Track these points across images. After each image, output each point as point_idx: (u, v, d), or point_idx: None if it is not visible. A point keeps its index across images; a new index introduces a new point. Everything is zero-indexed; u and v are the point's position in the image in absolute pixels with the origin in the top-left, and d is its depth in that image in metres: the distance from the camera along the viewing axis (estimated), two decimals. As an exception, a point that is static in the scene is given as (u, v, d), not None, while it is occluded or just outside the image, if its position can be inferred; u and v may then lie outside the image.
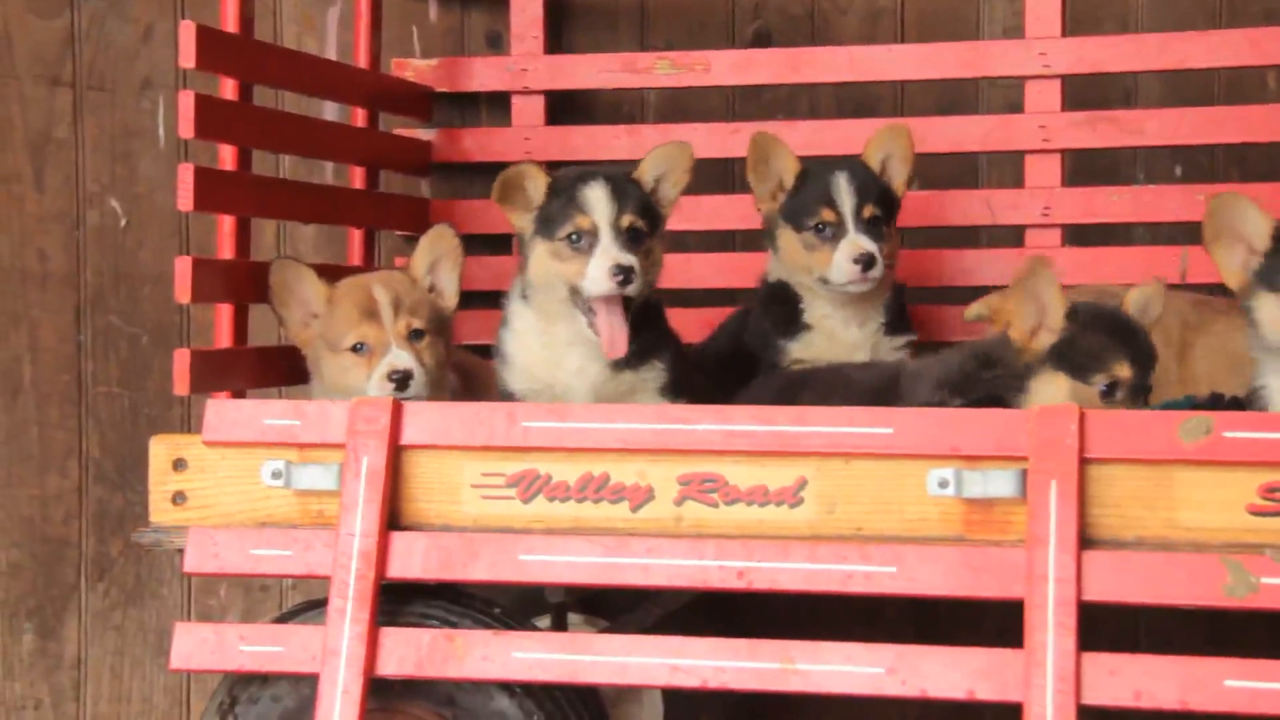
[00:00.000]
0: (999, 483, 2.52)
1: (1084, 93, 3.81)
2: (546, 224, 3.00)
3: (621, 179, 3.04)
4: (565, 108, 4.06)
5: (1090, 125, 3.68)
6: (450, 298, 3.24)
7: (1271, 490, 2.43)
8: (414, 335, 3.09)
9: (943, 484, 2.55)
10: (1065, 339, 2.81)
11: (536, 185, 3.02)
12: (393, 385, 3.00)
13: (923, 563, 2.52)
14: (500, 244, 3.98)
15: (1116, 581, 2.44)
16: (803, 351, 3.38)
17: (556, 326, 3.03)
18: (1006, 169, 3.88)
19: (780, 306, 3.41)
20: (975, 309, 3.33)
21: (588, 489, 2.69)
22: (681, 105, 4.10)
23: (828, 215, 3.32)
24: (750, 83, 3.92)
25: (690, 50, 3.94)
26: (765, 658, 2.53)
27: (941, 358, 3.14)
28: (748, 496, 2.64)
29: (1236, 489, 2.45)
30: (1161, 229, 3.79)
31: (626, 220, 2.98)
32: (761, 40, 4.09)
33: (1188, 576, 2.42)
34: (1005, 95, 3.92)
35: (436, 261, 3.22)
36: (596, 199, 2.98)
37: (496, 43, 4.12)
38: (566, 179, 3.03)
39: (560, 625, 3.30)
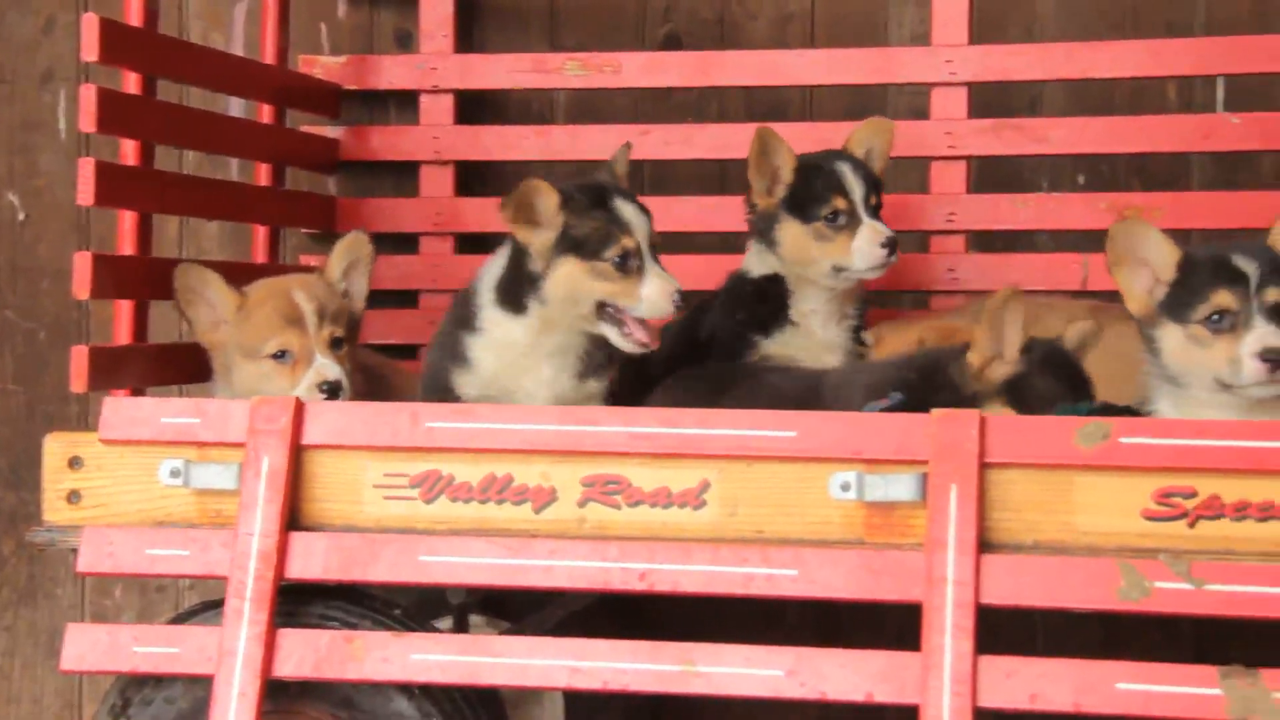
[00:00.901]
0: (900, 486, 2.53)
1: (990, 100, 3.85)
2: (580, 244, 2.93)
3: (632, 194, 3.03)
4: (475, 107, 4.05)
5: (995, 133, 3.72)
6: (360, 302, 3.21)
7: (1166, 495, 2.46)
8: (335, 343, 3.07)
9: (844, 487, 2.56)
10: (1020, 376, 2.84)
11: (548, 203, 2.94)
12: (324, 396, 2.97)
13: (823, 565, 2.53)
14: (407, 243, 3.97)
15: (1014, 585, 2.46)
16: (778, 349, 3.39)
17: (551, 338, 3.01)
18: (913, 175, 3.91)
19: (764, 303, 3.40)
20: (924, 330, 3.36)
21: (491, 490, 2.68)
22: (591, 106, 4.09)
23: (840, 204, 3.33)
24: (660, 85, 3.93)
25: (600, 52, 3.94)
26: (666, 660, 2.53)
27: (869, 367, 3.16)
28: (651, 498, 2.63)
29: (1132, 494, 2.48)
30: (1064, 236, 3.83)
31: (655, 237, 2.98)
32: (671, 43, 4.10)
33: (1083, 580, 2.44)
34: (912, 101, 3.95)
35: (350, 266, 3.19)
36: (638, 221, 2.95)
37: (406, 41, 4.10)
38: (595, 195, 2.97)
39: (462, 626, 3.29)
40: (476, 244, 4.00)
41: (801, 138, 3.78)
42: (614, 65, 3.88)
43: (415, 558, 2.64)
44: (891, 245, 3.29)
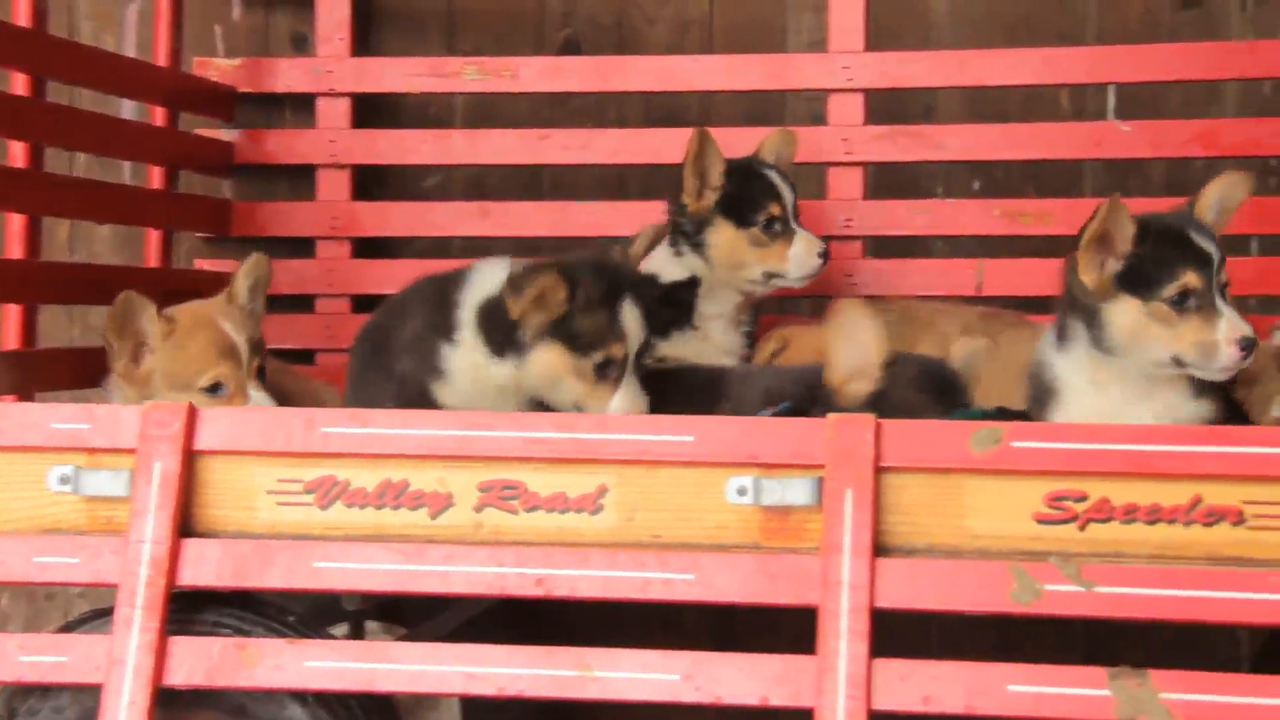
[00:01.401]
0: (796, 491, 2.53)
1: (886, 107, 3.88)
2: (573, 338, 2.88)
3: (643, 297, 2.97)
4: (371, 111, 4.03)
5: (891, 139, 3.75)
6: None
7: (1057, 499, 2.49)
8: (260, 373, 3.05)
9: (741, 492, 2.56)
10: (882, 392, 2.86)
11: (556, 296, 2.85)
12: None
13: (720, 570, 2.53)
14: (303, 247, 3.93)
15: (908, 588, 2.48)
16: (675, 351, 3.40)
17: (526, 393, 2.98)
18: (810, 180, 3.93)
19: (671, 306, 3.40)
20: (772, 345, 3.38)
21: (386, 496, 2.66)
22: (490, 111, 4.09)
23: (776, 210, 3.36)
24: (558, 90, 3.92)
25: (498, 56, 3.93)
26: (562, 665, 2.52)
27: (776, 370, 3.17)
28: (548, 504, 2.62)
29: (1024, 498, 2.50)
30: (959, 242, 3.87)
31: (646, 347, 2.97)
32: (570, 48, 4.09)
33: (976, 583, 2.46)
34: (810, 107, 3.98)
35: (254, 287, 3.16)
36: (635, 331, 2.91)
37: (302, 44, 4.07)
38: (605, 293, 2.89)
39: (357, 633, 3.26)
40: (373, 248, 3.98)
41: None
42: (512, 70, 3.88)
43: (310, 564, 2.61)
44: (825, 255, 3.35)
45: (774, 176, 3.39)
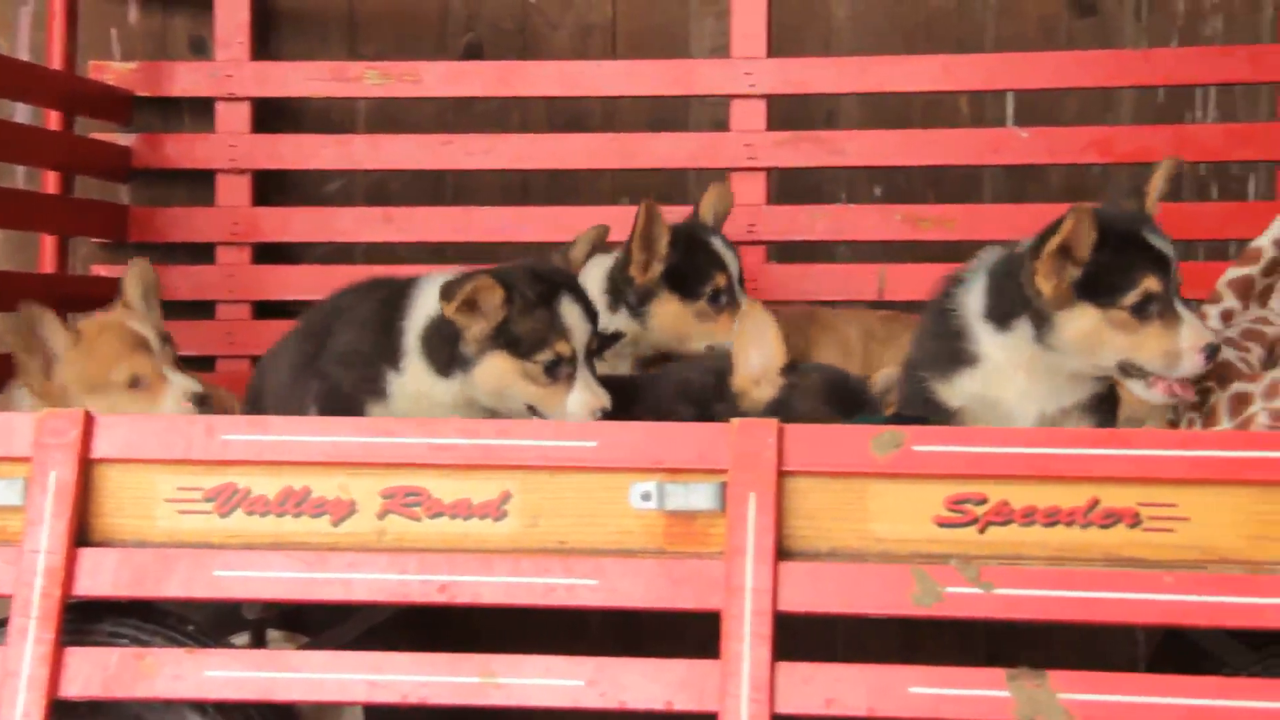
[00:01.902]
0: (700, 495, 2.54)
1: (789, 112, 3.90)
2: (515, 342, 2.83)
3: (584, 293, 2.92)
4: (272, 115, 3.99)
5: (793, 145, 3.77)
6: None
7: (957, 502, 2.51)
8: (175, 363, 3.02)
9: (645, 497, 2.56)
10: (781, 400, 2.86)
11: (492, 299, 2.81)
12: (195, 408, 2.95)
13: (624, 575, 2.53)
14: (202, 253, 3.89)
15: (812, 592, 2.49)
16: None
17: (478, 407, 2.93)
18: (714, 186, 3.94)
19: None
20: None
21: (288, 503, 2.63)
22: (393, 115, 4.07)
23: (721, 281, 3.26)
24: (462, 95, 3.91)
25: (401, 61, 3.91)
26: (465, 671, 2.51)
27: (685, 364, 3.17)
28: (451, 510, 2.61)
29: (925, 501, 2.52)
30: (862, 247, 3.90)
31: (594, 342, 2.89)
32: (473, 53, 4.08)
33: (878, 586, 2.48)
34: (713, 113, 3.99)
35: (145, 293, 3.12)
36: (574, 321, 2.85)
37: (201, 47, 4.03)
38: (542, 292, 2.84)
39: (259, 642, 3.23)
40: (274, 254, 3.95)
41: (605, 149, 3.81)
42: (414, 74, 3.86)
43: (210, 572, 2.58)
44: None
45: (718, 245, 3.29)
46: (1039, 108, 3.97)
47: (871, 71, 3.77)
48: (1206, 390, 2.71)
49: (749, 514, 2.50)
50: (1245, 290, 2.98)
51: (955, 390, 2.77)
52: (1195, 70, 3.67)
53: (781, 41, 3.89)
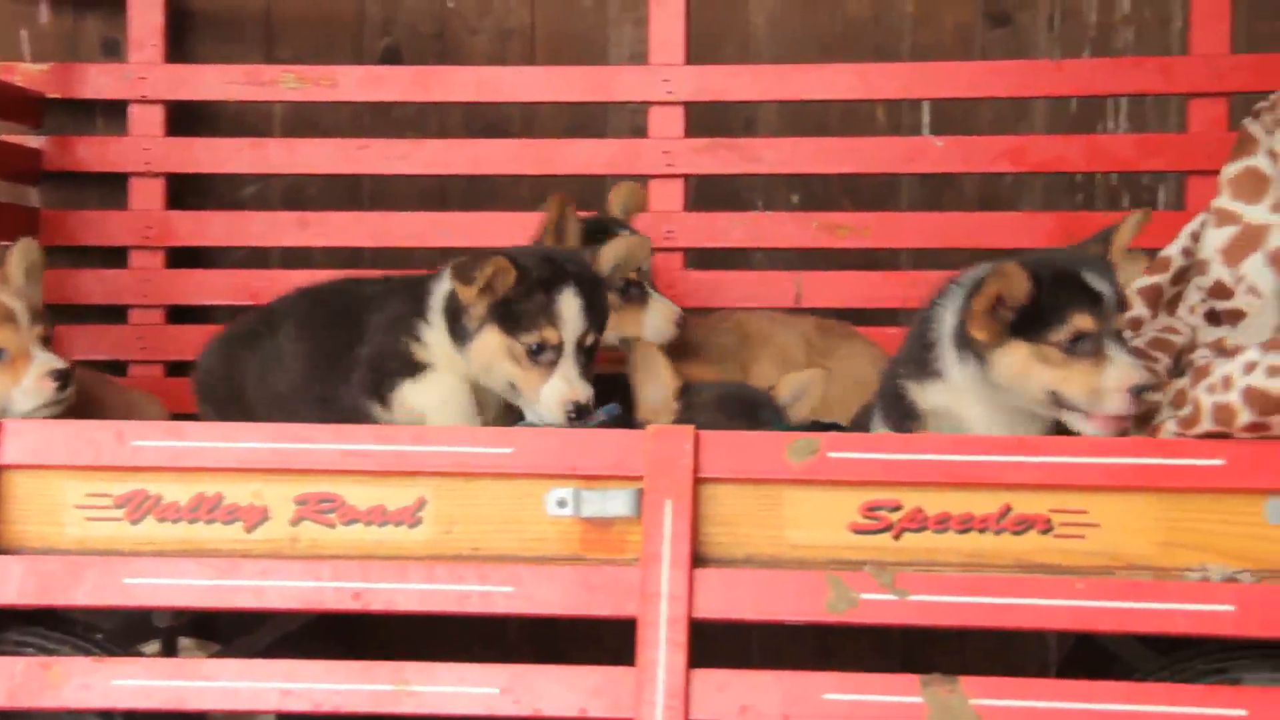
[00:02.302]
0: (616, 502, 2.54)
1: (707, 119, 3.90)
2: (508, 318, 2.83)
3: (596, 288, 2.90)
4: (186, 118, 3.95)
5: (711, 151, 3.77)
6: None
7: (872, 509, 2.52)
8: (45, 342, 2.96)
9: (561, 503, 2.56)
10: (679, 420, 2.88)
11: (506, 278, 2.80)
12: (56, 384, 2.87)
13: (539, 582, 2.53)
14: (115, 257, 3.85)
15: (726, 599, 2.50)
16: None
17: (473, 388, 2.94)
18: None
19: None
20: None
21: (200, 510, 2.61)
22: (309, 119, 4.04)
23: (632, 275, 3.23)
24: (379, 99, 3.88)
25: (317, 64, 3.88)
26: (379, 679, 2.50)
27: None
28: (366, 516, 2.60)
29: (840, 508, 2.53)
30: (778, 254, 3.91)
31: (590, 338, 2.87)
32: (391, 57, 4.06)
33: (793, 593, 2.49)
34: (631, 119, 3.99)
35: (28, 273, 3.07)
36: (570, 312, 2.84)
37: (114, 49, 3.98)
38: (549, 276, 2.83)
39: (169, 650, 3.20)
40: (188, 258, 3.91)
41: (523, 155, 3.80)
42: (331, 79, 3.83)
43: (119, 580, 2.56)
44: (681, 322, 3.25)
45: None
46: (954, 116, 4.00)
47: (789, 79, 3.78)
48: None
49: (665, 521, 2.51)
50: (1154, 299, 3.01)
51: (926, 396, 2.77)
52: (1107, 81, 3.71)
53: (700, 49, 3.90)
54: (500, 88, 3.84)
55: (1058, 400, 2.61)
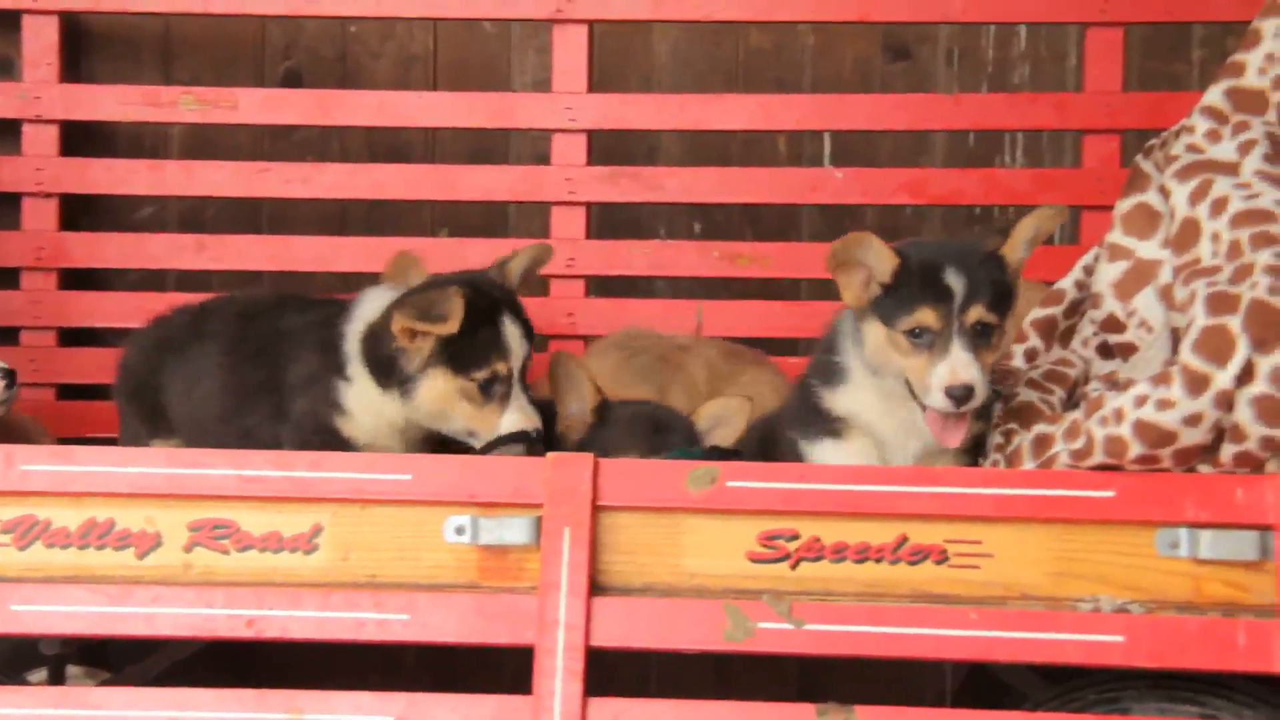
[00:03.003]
0: (514, 530, 2.53)
1: (610, 148, 3.91)
2: (458, 358, 2.81)
3: (522, 311, 2.89)
4: (82, 139, 3.90)
5: (613, 180, 3.78)
6: None
7: (770, 538, 2.53)
8: None
9: (459, 531, 2.55)
10: (588, 439, 2.91)
11: (456, 310, 2.75)
12: (4, 383, 2.88)
13: (436, 610, 2.51)
14: (6, 278, 3.79)
15: (624, 627, 2.49)
16: None
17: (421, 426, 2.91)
18: (535, 219, 3.94)
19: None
20: None
21: (91, 535, 2.57)
22: (208, 141, 4.00)
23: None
24: (279, 122, 3.86)
25: (217, 86, 3.85)
26: (272, 708, 2.47)
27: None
28: (261, 543, 2.57)
29: (738, 537, 2.53)
30: (680, 283, 3.92)
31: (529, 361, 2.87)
32: (291, 80, 4.04)
33: (691, 622, 2.49)
34: (534, 146, 3.99)
35: None
36: (514, 340, 2.84)
37: (7, 68, 3.93)
38: (486, 307, 2.82)
39: (57, 678, 3.14)
40: (81, 279, 3.85)
41: (425, 180, 3.79)
42: (231, 100, 3.80)
43: (6, 607, 2.51)
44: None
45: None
46: (855, 148, 4.04)
47: (691, 109, 3.79)
48: (1010, 432, 2.77)
49: (563, 549, 2.50)
50: (1049, 331, 3.05)
51: (837, 400, 2.82)
52: (1004, 116, 3.76)
53: (604, 78, 3.91)
54: (403, 112, 3.82)
55: (907, 383, 2.71)
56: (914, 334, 2.69)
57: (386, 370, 2.87)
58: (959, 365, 2.66)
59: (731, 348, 3.53)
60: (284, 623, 2.52)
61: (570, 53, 3.79)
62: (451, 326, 2.76)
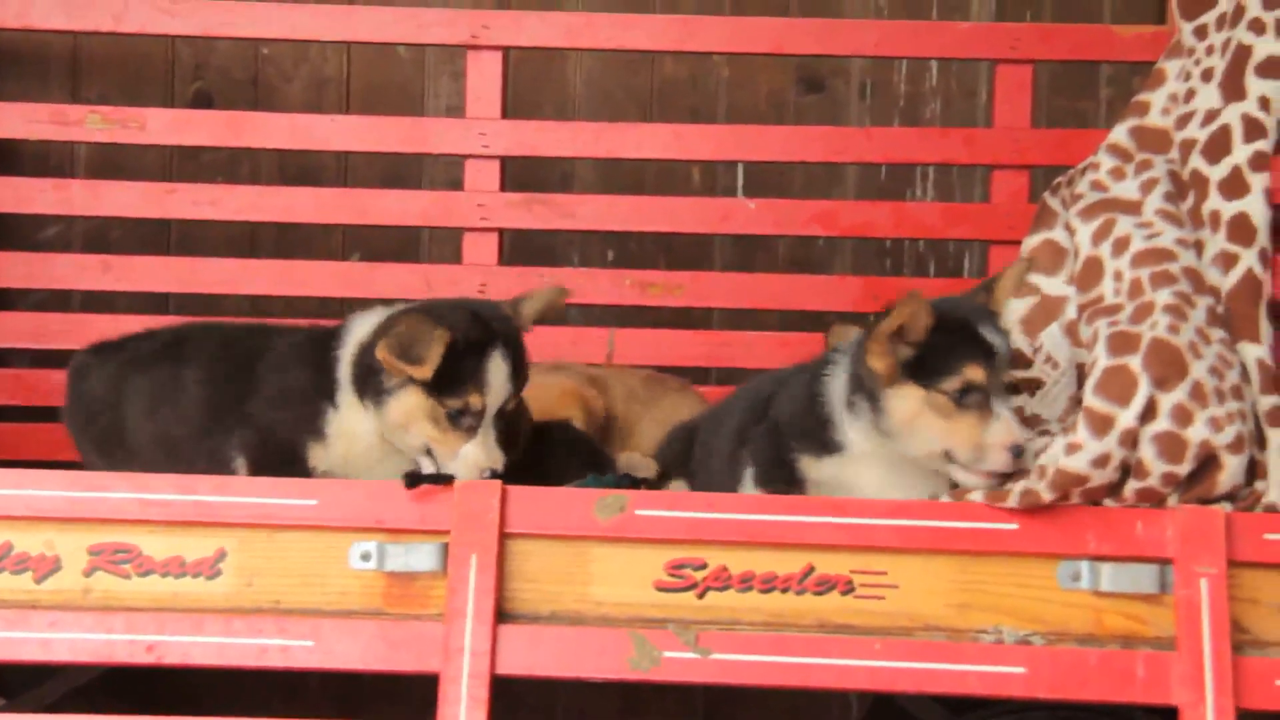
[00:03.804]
0: (421, 557, 2.52)
1: (524, 175, 3.91)
2: (435, 382, 2.72)
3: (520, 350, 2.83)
4: (-14, 156, 3.85)
5: (526, 206, 3.77)
6: None
7: (677, 567, 2.53)
8: None
9: (365, 557, 2.53)
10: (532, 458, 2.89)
11: (437, 349, 2.69)
12: None
13: (341, 636, 2.50)
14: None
15: (530, 655, 2.48)
16: None
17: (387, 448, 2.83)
18: (447, 245, 3.93)
19: None
20: None
21: (-13, 559, 2.54)
22: (116, 161, 3.96)
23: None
24: (188, 143, 3.81)
25: (125, 106, 3.80)
26: (171, 736, 2.45)
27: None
28: (163, 568, 2.55)
29: (646, 565, 2.54)
30: (593, 310, 3.92)
31: (511, 403, 2.80)
32: (202, 101, 4.01)
33: (597, 650, 2.49)
34: (447, 172, 3.98)
35: None
36: (497, 377, 2.76)
37: (-90, 84, 3.88)
38: (478, 342, 2.75)
39: (-49, 706, 3.09)
40: (-15, 301, 3.80)
41: (337, 204, 3.76)
42: (139, 120, 3.75)
43: (-101, 631, 2.47)
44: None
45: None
46: (768, 179, 4.06)
47: (605, 137, 3.80)
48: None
49: (470, 576, 2.49)
50: (959, 365, 3.07)
51: (822, 469, 2.76)
52: (915, 150, 3.79)
53: (518, 106, 3.91)
54: (315, 135, 3.79)
55: (945, 451, 2.64)
56: (960, 395, 2.63)
57: (365, 380, 2.82)
58: (1012, 423, 2.62)
59: (652, 374, 3.53)
60: (185, 649, 2.49)
61: (485, 79, 3.78)
62: (424, 373, 2.70)
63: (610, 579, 2.55)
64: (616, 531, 2.53)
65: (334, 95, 4.06)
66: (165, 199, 3.73)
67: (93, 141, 3.81)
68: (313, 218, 3.80)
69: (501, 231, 3.80)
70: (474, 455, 2.74)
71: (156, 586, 2.54)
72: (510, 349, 2.80)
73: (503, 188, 3.79)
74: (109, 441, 3.01)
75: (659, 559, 2.54)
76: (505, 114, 3.79)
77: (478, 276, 3.76)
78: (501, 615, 2.51)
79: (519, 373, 2.81)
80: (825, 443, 2.76)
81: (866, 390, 2.69)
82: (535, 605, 2.54)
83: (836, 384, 2.77)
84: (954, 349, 2.64)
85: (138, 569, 2.55)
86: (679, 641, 2.48)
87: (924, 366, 2.64)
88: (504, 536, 2.53)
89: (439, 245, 4.01)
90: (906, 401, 2.65)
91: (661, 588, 2.54)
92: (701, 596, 2.53)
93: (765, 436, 2.85)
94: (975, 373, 2.62)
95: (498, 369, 2.77)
